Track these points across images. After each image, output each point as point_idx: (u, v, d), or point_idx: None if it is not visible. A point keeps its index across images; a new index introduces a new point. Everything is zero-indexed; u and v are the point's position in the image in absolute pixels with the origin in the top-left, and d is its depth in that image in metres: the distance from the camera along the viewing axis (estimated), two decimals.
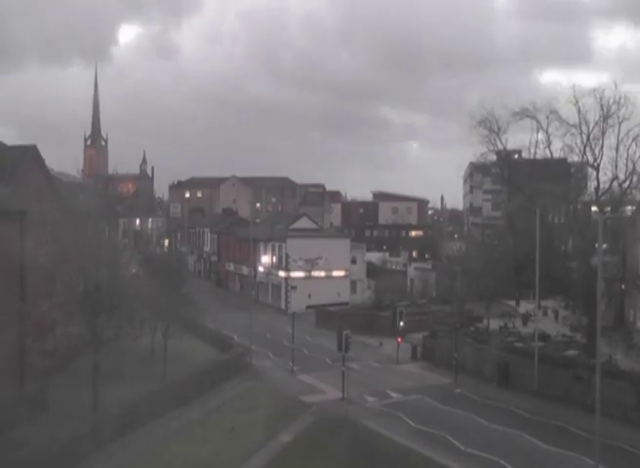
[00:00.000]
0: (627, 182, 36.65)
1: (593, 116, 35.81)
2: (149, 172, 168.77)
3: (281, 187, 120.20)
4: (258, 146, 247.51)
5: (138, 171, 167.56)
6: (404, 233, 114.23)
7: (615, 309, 45.44)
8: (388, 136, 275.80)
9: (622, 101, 34.90)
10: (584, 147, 36.46)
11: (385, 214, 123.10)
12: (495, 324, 46.19)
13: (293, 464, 23.47)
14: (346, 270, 63.49)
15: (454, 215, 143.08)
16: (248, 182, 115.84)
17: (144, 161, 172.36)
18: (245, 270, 69.44)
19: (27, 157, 30.42)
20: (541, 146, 37.90)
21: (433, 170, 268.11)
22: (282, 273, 61.88)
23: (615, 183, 36.94)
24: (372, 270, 69.56)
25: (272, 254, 64.96)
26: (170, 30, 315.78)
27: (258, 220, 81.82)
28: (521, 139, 39.64)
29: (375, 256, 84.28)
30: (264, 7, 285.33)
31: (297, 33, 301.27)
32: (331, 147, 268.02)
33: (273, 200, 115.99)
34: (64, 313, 26.85)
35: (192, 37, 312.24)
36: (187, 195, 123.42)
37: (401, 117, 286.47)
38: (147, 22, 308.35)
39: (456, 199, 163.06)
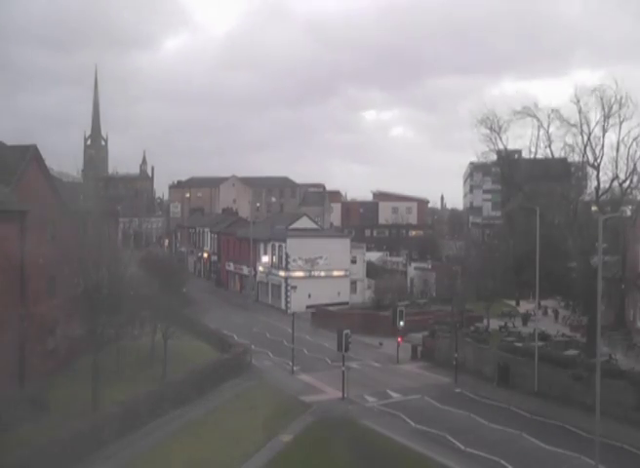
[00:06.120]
0: (628, 182, 36.69)
1: (594, 115, 35.88)
2: (149, 172, 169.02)
3: (281, 187, 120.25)
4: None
5: (138, 171, 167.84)
6: (404, 233, 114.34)
7: (615, 309, 45.50)
8: None
9: (624, 101, 34.90)
10: (585, 147, 36.50)
11: (385, 214, 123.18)
12: (495, 324, 46.29)
13: (293, 464, 23.45)
14: (346, 270, 63.47)
15: (454, 215, 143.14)
16: (248, 182, 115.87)
17: (144, 161, 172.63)
18: (245, 270, 69.52)
19: (27, 157, 30.39)
20: (542, 146, 37.97)
21: None
22: (282, 273, 61.88)
23: (615, 183, 37.00)
24: (372, 270, 69.49)
25: (272, 254, 64.90)
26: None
27: (258, 220, 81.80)
28: (522, 139, 39.74)
29: (375, 256, 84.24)
30: None
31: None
32: None
33: (273, 200, 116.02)
34: (65, 313, 26.89)
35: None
36: (187, 195, 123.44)
37: None
38: None
39: (456, 199, 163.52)
